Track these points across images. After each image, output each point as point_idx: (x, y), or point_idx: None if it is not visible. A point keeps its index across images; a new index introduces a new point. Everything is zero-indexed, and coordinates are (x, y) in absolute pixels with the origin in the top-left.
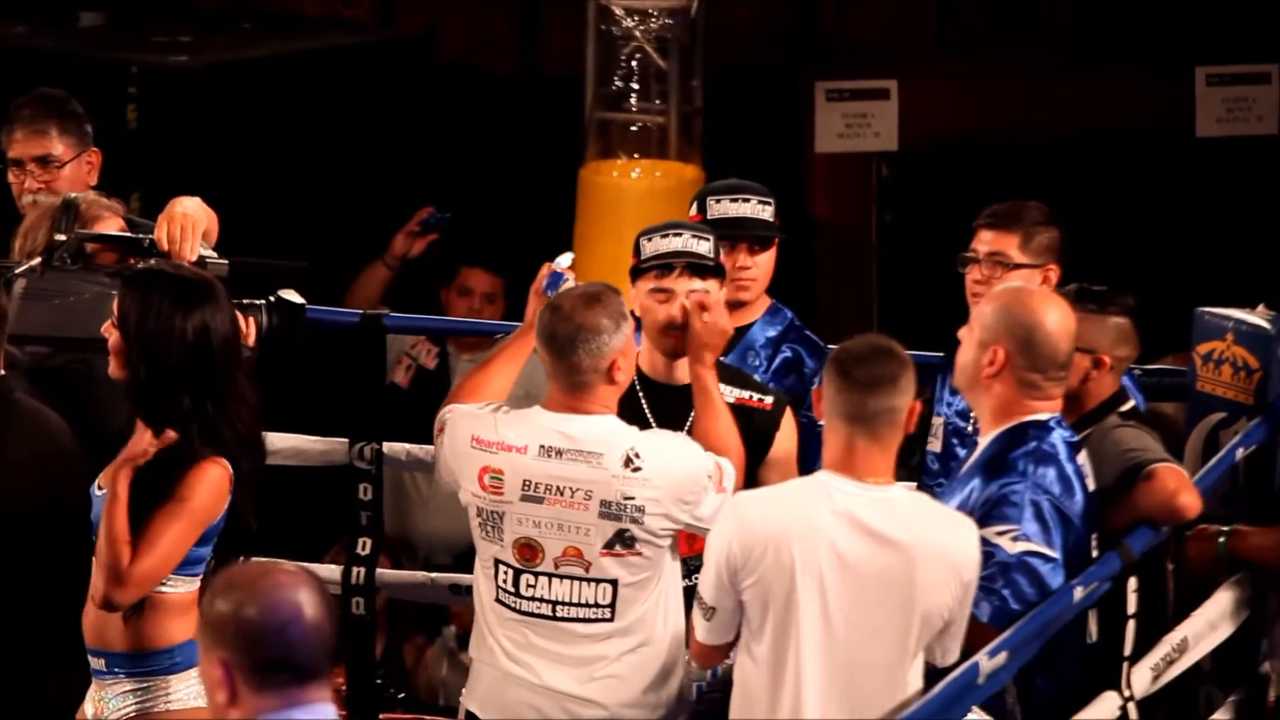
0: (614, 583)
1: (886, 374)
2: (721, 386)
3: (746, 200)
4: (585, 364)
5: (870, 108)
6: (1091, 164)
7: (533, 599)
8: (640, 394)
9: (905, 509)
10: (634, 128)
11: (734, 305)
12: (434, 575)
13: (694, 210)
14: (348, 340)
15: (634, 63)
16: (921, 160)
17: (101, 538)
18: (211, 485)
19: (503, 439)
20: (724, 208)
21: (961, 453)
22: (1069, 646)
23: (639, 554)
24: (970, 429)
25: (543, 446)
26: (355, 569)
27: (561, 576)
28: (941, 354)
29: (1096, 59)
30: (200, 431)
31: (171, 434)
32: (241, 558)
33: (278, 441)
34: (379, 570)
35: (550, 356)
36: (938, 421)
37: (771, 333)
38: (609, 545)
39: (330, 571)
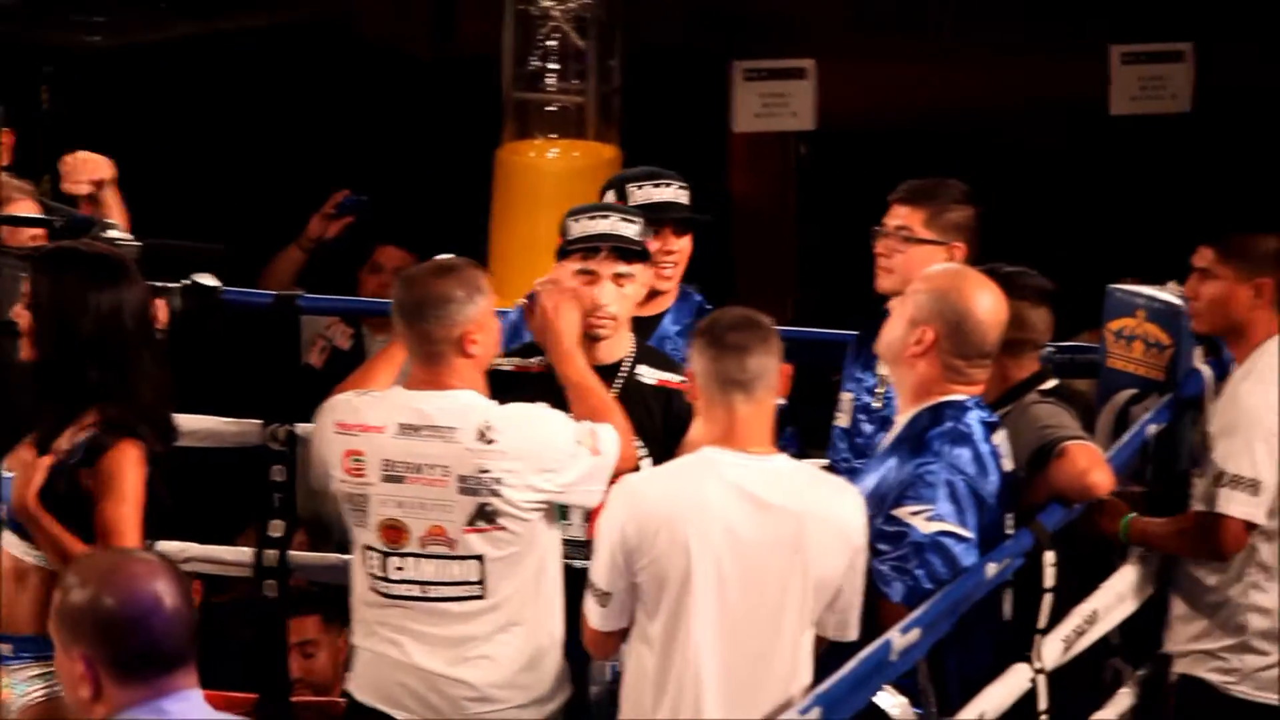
0: (480, 559)
1: (757, 336)
2: (640, 368)
3: (668, 185)
4: (435, 333)
5: (787, 87)
6: (1007, 141)
7: (402, 581)
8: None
9: (791, 477)
10: (552, 108)
11: (652, 292)
12: (347, 557)
13: (612, 197)
14: (262, 322)
15: (552, 42)
16: (839, 139)
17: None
18: (136, 464)
19: (362, 420)
20: (646, 193)
21: (868, 429)
22: (982, 625)
23: (503, 529)
24: (876, 404)
25: (401, 425)
26: (267, 551)
27: (428, 556)
28: (855, 332)
29: (1013, 37)
30: (108, 409)
31: (83, 429)
32: (157, 539)
33: (191, 423)
34: (291, 553)
35: (402, 327)
36: (846, 397)
37: (685, 319)
38: (471, 521)
39: (242, 554)
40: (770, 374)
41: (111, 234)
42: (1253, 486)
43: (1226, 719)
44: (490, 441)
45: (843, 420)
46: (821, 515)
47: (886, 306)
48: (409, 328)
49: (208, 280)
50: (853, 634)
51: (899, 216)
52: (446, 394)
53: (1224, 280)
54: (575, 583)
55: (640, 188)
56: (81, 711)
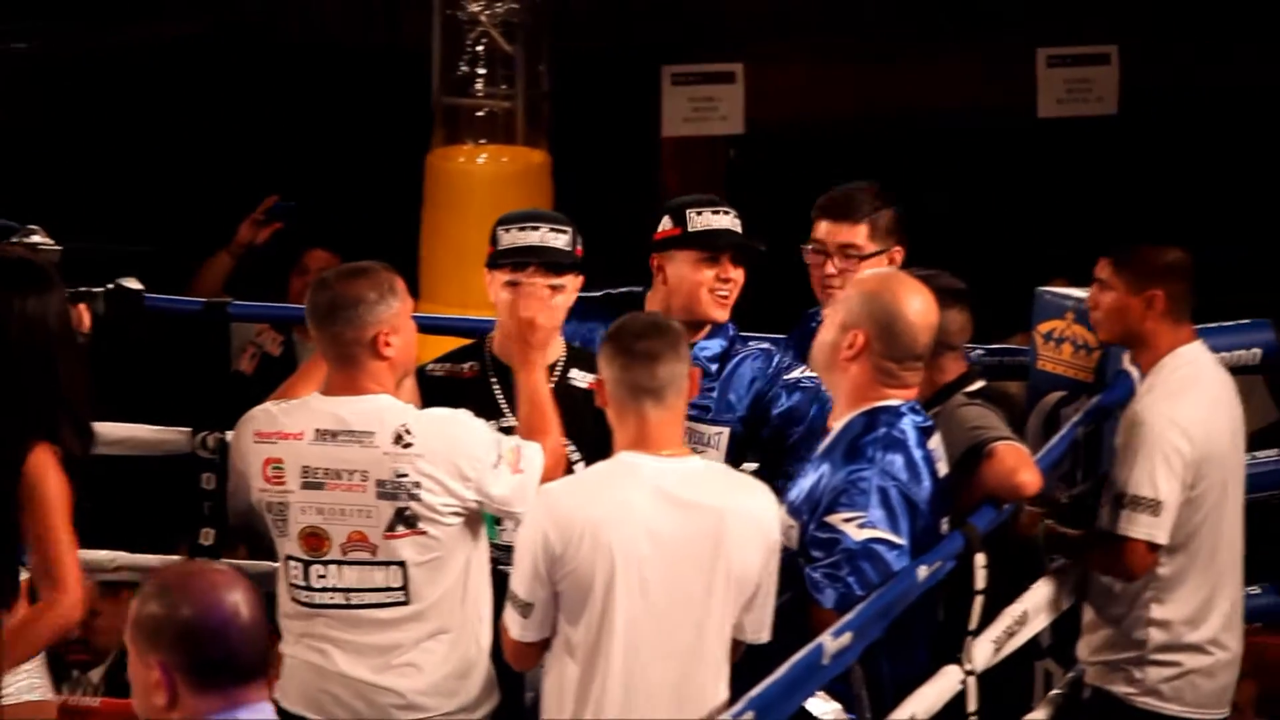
0: (402, 565)
1: (667, 343)
2: (572, 371)
3: (727, 213)
4: (346, 335)
5: (716, 91)
6: (936, 144)
7: (325, 589)
8: (492, 379)
9: (708, 476)
10: (481, 113)
11: (700, 323)
12: (278, 564)
13: (669, 224)
14: (192, 329)
15: (480, 47)
16: (768, 142)
17: None
18: (55, 469)
19: (280, 428)
20: (705, 219)
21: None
22: (917, 630)
23: (424, 533)
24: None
25: (318, 430)
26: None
27: (350, 563)
28: (785, 336)
29: (940, 41)
30: (31, 416)
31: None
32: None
33: (119, 431)
34: (225, 560)
35: (315, 330)
36: None
37: (715, 348)
38: (391, 526)
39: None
40: (680, 379)
41: (34, 239)
42: (1154, 507)
43: None
44: (407, 445)
45: None
46: (739, 512)
47: (823, 314)
48: (322, 331)
49: (132, 284)
50: (767, 635)
51: (842, 235)
52: (363, 399)
53: (1117, 292)
54: (503, 587)
55: (700, 213)
56: (156, 716)
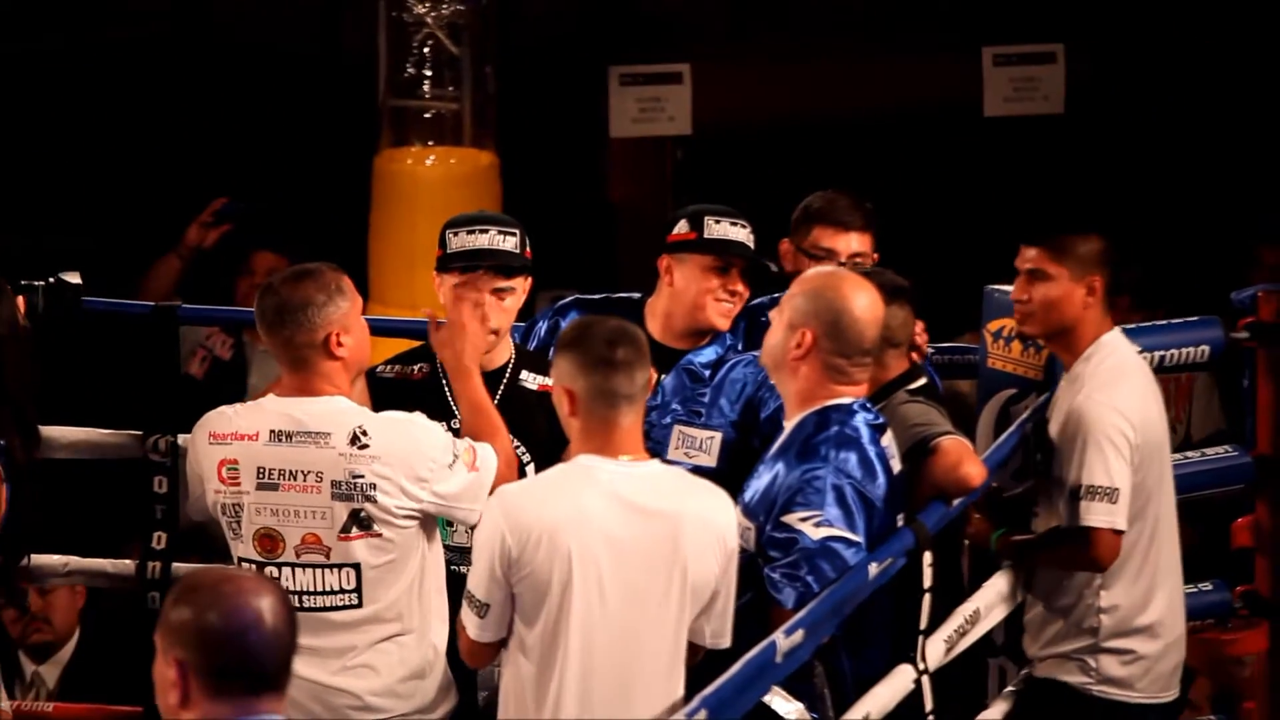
0: (356, 567)
1: (638, 349)
2: (523, 373)
3: (744, 227)
4: (297, 338)
5: (663, 92)
6: (882, 144)
7: None
8: (444, 380)
9: (666, 481)
10: (428, 115)
11: (703, 331)
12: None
13: (685, 228)
14: (141, 332)
15: (426, 49)
16: (715, 143)
17: None
18: None
19: (235, 429)
20: (724, 229)
21: None
22: (875, 625)
23: (378, 535)
24: None
25: (273, 431)
26: (151, 564)
27: (304, 565)
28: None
29: (885, 40)
30: None
31: None
32: (28, 555)
33: (70, 435)
34: (175, 564)
35: (266, 335)
36: None
37: (710, 355)
38: (346, 528)
39: (125, 566)
40: (649, 383)
41: None
42: (1110, 494)
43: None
44: (363, 446)
45: None
46: (697, 517)
47: (768, 316)
48: (272, 336)
49: (72, 278)
50: (727, 641)
51: (854, 243)
52: (318, 400)
53: (1058, 280)
54: (459, 588)
55: (719, 222)
56: (169, 715)
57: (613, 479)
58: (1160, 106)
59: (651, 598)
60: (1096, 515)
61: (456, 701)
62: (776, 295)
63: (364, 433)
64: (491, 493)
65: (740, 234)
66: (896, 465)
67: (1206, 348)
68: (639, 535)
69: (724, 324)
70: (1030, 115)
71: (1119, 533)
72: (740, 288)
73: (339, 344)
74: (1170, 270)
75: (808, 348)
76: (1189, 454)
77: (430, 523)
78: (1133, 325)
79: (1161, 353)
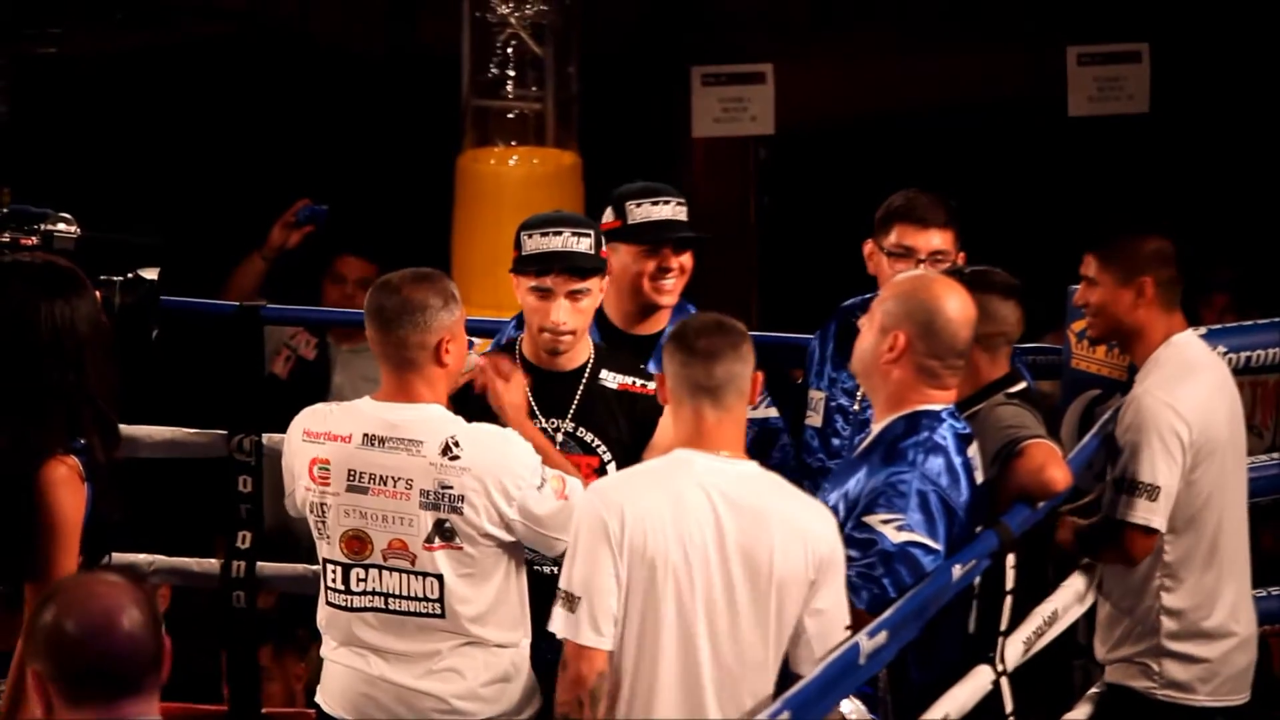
0: (440, 578)
1: (728, 342)
2: (603, 372)
3: (666, 202)
4: (412, 339)
5: (746, 92)
6: (966, 143)
7: (364, 593)
8: (527, 379)
9: (762, 482)
10: (511, 115)
11: (650, 309)
12: (315, 568)
13: (611, 216)
14: (226, 332)
15: (510, 49)
16: (798, 142)
17: None
18: (70, 487)
19: (329, 429)
20: (645, 210)
21: (845, 430)
22: (944, 633)
23: (460, 548)
24: (856, 407)
25: (366, 435)
26: (235, 563)
27: (390, 569)
28: (789, 334)
29: (969, 39)
30: (57, 418)
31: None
32: (109, 555)
33: (155, 434)
34: (260, 564)
35: (376, 333)
36: (818, 396)
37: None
38: (429, 539)
39: (210, 565)
40: (740, 380)
41: (59, 226)
42: (1151, 492)
43: None
44: (454, 458)
45: (815, 420)
46: (790, 520)
47: (858, 323)
48: (386, 335)
49: (149, 274)
50: (808, 670)
51: (935, 241)
52: (415, 406)
53: (1105, 286)
54: (542, 588)
55: (639, 205)
56: None
57: (709, 473)
58: (1245, 105)
59: (748, 598)
60: (1134, 511)
61: (540, 706)
62: (869, 296)
63: (456, 444)
64: None
65: (664, 211)
66: (980, 476)
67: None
68: (736, 533)
69: (668, 299)
70: (1115, 115)
71: (1153, 531)
72: (673, 263)
73: (446, 350)
74: (1262, 270)
75: (901, 351)
76: (1274, 455)
77: (514, 537)
78: (1218, 326)
79: (1248, 354)
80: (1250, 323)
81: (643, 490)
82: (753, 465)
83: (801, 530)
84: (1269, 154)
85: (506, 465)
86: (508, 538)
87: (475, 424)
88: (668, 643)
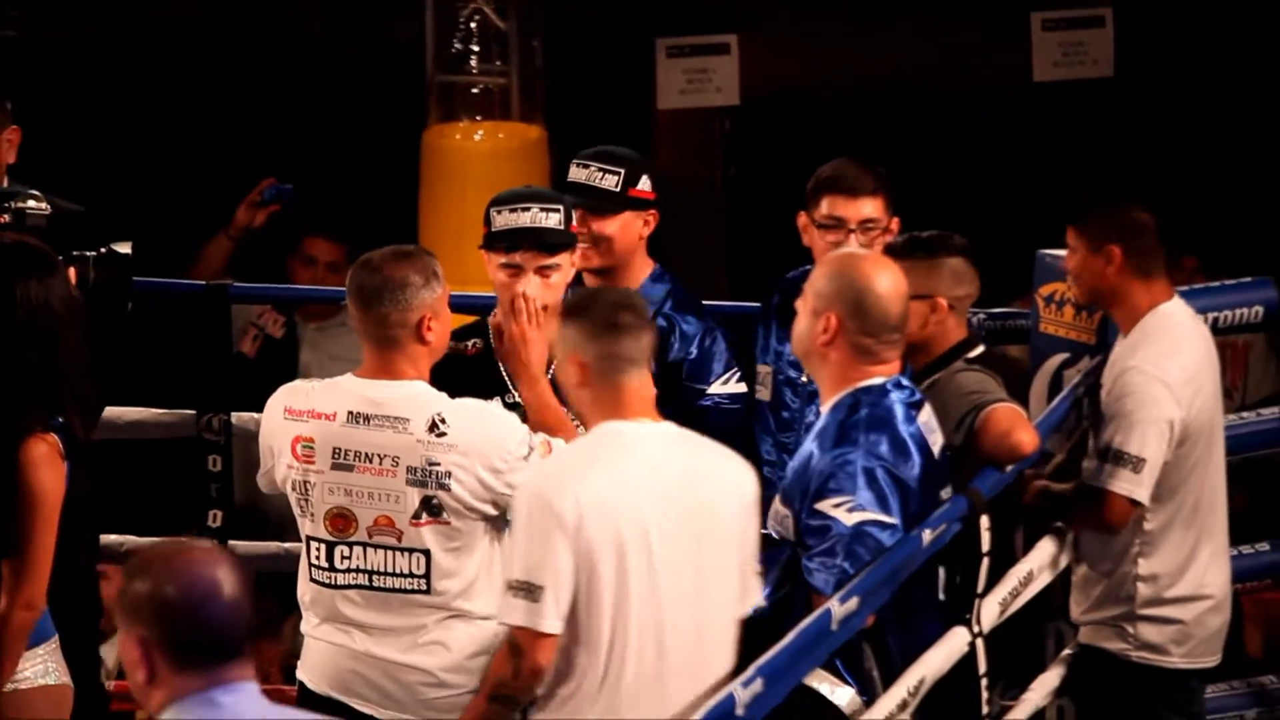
0: (426, 553)
1: (642, 315)
2: None
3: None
4: (393, 317)
5: (711, 63)
6: (931, 110)
7: (349, 570)
8: (499, 359)
9: (687, 442)
10: (475, 90)
11: (600, 271)
12: (287, 545)
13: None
14: (193, 311)
15: (474, 24)
16: (763, 114)
17: None
18: (50, 464)
19: (312, 406)
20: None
21: (794, 403)
22: (919, 601)
23: (447, 523)
24: (804, 379)
25: (351, 413)
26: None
27: (375, 546)
28: (759, 304)
29: (933, 5)
30: (35, 396)
31: None
32: (85, 534)
33: (124, 415)
34: (232, 542)
35: (358, 311)
36: (765, 370)
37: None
38: (416, 515)
39: None
40: (651, 347)
41: (28, 204)
42: (1136, 464)
43: (1127, 686)
44: (441, 434)
45: (764, 394)
46: (719, 476)
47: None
48: (367, 313)
49: (123, 249)
50: (755, 598)
51: (864, 209)
52: (399, 384)
53: (1079, 253)
54: None
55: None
56: (140, 696)
57: (639, 441)
58: (1209, 67)
59: (696, 559)
60: (1117, 480)
61: None
62: (809, 268)
63: (443, 420)
64: None
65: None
66: (936, 440)
67: (1260, 309)
68: (675, 493)
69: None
70: (1080, 80)
71: (1135, 503)
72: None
73: (429, 328)
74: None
75: (834, 332)
76: (1244, 415)
77: (501, 511)
78: (1186, 288)
79: (1215, 314)
80: (1218, 284)
81: (585, 470)
82: (672, 426)
83: (730, 482)
84: (1233, 116)
85: (493, 440)
86: (493, 512)
87: (460, 400)
88: (638, 617)
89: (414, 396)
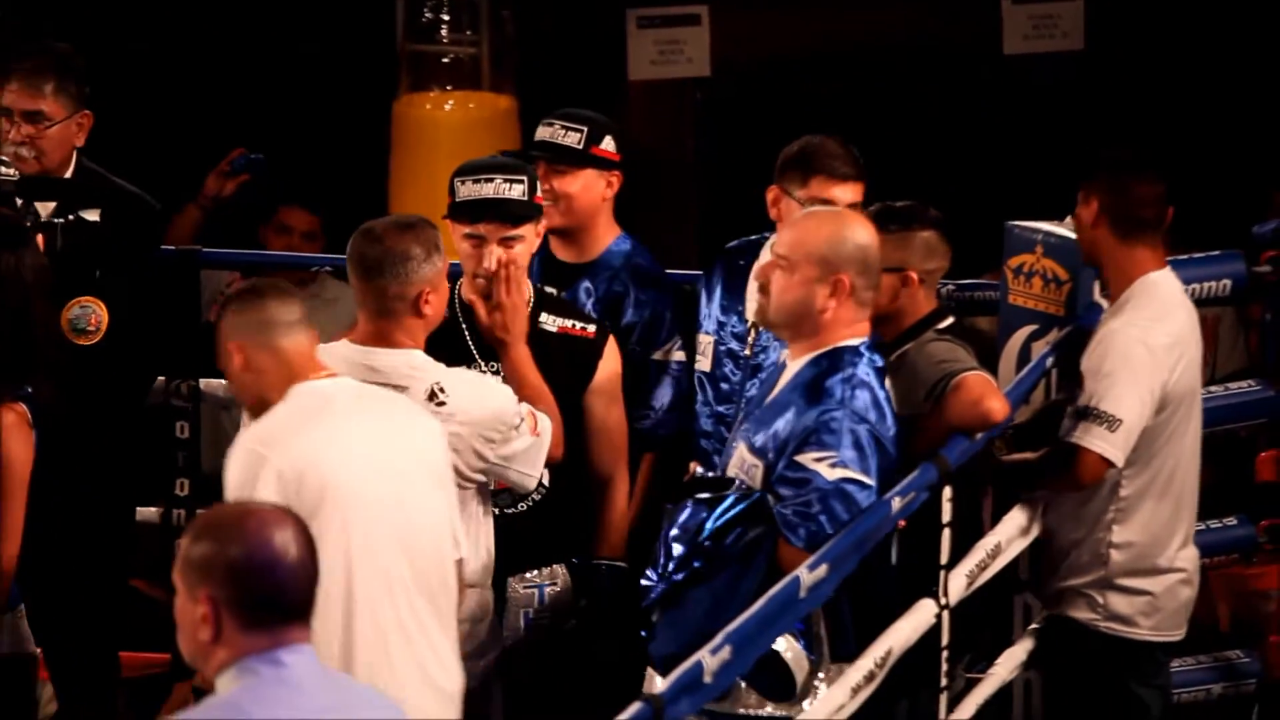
0: None
1: (286, 286)
2: (544, 316)
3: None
4: (392, 289)
5: (682, 34)
6: (902, 82)
7: None
8: (462, 324)
9: (364, 389)
10: (446, 59)
11: (562, 231)
12: None
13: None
14: (162, 278)
15: None
16: (734, 84)
17: None
18: (19, 433)
19: None
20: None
21: (735, 375)
22: (875, 567)
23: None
24: (747, 352)
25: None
26: (175, 511)
27: None
28: (700, 271)
29: None
30: (4, 366)
31: None
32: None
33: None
34: (199, 511)
35: (358, 281)
36: (706, 340)
37: (606, 270)
38: None
39: (150, 515)
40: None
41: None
42: (1112, 423)
43: (1094, 656)
44: (441, 404)
45: (704, 364)
46: (411, 417)
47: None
48: (366, 282)
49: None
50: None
51: (848, 193)
52: (396, 351)
53: (1076, 217)
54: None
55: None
56: (200, 656)
57: (336, 395)
58: (1179, 39)
59: (411, 487)
60: (1090, 437)
61: (500, 651)
62: (755, 238)
63: (442, 389)
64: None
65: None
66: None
67: (1229, 281)
68: (380, 440)
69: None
70: (1050, 52)
71: (1107, 462)
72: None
73: (426, 301)
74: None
75: (847, 292)
76: (1213, 389)
77: (487, 482)
78: None
79: (1184, 288)
80: (1187, 257)
81: (297, 430)
82: (350, 380)
83: (420, 422)
84: (1204, 88)
85: (490, 412)
86: (483, 480)
87: (456, 370)
88: (362, 568)
89: (412, 365)
